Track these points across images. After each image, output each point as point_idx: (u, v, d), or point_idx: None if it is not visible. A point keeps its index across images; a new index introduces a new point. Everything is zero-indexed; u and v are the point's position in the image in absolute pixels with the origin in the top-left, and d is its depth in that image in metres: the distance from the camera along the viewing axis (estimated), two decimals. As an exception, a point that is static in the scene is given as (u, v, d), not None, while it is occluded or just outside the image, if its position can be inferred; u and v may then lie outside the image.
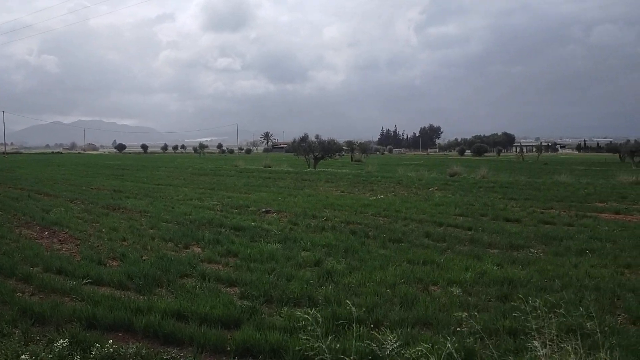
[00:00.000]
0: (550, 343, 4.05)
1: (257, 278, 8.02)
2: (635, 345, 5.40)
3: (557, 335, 5.63)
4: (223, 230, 12.70)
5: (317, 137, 45.98)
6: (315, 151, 43.75)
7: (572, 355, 3.22)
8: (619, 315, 6.71)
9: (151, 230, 12.78)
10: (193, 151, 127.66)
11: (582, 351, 4.32)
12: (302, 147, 44.82)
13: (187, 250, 10.60)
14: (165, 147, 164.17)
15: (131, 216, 15.26)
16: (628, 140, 63.45)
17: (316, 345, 5.49)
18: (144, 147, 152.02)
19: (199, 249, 10.64)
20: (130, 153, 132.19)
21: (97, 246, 10.85)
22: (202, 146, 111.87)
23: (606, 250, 10.24)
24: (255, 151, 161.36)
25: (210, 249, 10.43)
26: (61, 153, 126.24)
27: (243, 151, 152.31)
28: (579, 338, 5.63)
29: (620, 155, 61.34)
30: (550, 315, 6.32)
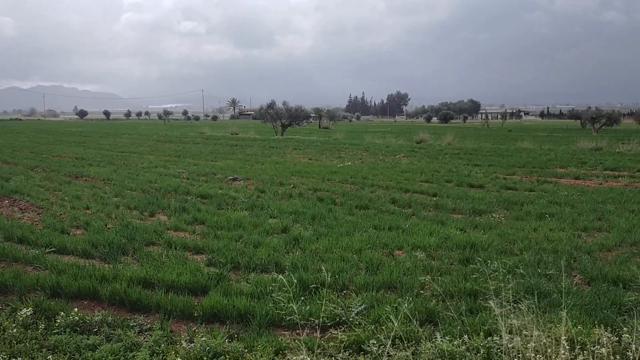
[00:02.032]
0: (506, 303, 4.20)
1: (225, 245, 8.03)
2: (589, 304, 5.66)
3: (514, 296, 5.85)
4: (189, 198, 12.61)
5: (284, 104, 45.66)
6: (282, 118, 43.46)
7: (525, 314, 3.35)
8: (575, 276, 7.00)
9: (115, 199, 12.59)
10: (157, 118, 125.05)
11: (537, 310, 4.51)
12: (270, 114, 44.44)
13: (153, 218, 10.51)
14: (128, 114, 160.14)
15: (94, 184, 14.99)
16: (589, 107, 64.99)
17: (288, 306, 5.59)
18: (107, 113, 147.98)
19: (165, 217, 10.56)
20: (92, 120, 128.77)
21: (60, 215, 10.65)
22: (167, 113, 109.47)
23: (565, 215, 10.58)
24: (221, 118, 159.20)
25: (177, 217, 10.36)
26: (20, 120, 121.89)
27: (209, 118, 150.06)
28: (536, 298, 5.87)
29: (581, 122, 62.86)
30: (508, 277, 6.55)
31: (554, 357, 4.16)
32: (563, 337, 4.54)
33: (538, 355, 4.00)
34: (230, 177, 16.15)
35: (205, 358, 4.45)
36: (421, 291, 6.29)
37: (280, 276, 6.58)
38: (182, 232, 9.32)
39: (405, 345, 4.63)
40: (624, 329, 4.71)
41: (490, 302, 3.18)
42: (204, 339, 4.68)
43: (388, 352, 4.42)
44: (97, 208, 11.25)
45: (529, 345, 3.97)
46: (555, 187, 14.35)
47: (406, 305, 5.68)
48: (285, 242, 8.40)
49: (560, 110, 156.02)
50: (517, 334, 4.22)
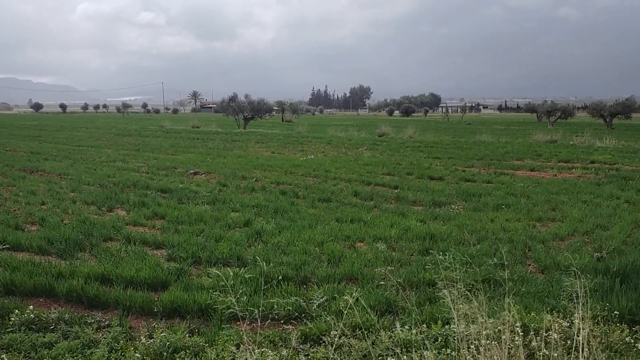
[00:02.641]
0: (462, 292, 4.31)
1: (185, 240, 7.95)
2: (542, 292, 5.85)
3: (472, 285, 6.01)
4: (149, 192, 12.41)
5: (246, 97, 45.24)
6: (245, 111, 43.14)
7: (480, 302, 3.45)
8: (529, 265, 7.23)
9: (72, 194, 12.28)
10: (116, 111, 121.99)
11: (492, 298, 4.64)
12: (232, 107, 44.03)
13: (111, 213, 10.30)
14: (86, 107, 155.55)
15: (50, 179, 14.57)
16: (545, 101, 66.88)
17: (249, 300, 5.59)
18: (63, 106, 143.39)
19: (124, 212, 10.37)
20: (47, 113, 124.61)
21: (14, 210, 10.32)
22: (126, 106, 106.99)
23: (520, 205, 10.89)
24: (182, 111, 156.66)
25: (136, 212, 10.18)
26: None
27: (170, 111, 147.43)
28: (492, 286, 6.05)
29: (537, 115, 64.61)
30: (465, 267, 6.72)
31: (508, 343, 4.30)
32: (518, 324, 4.70)
33: (493, 342, 4.12)
34: (192, 171, 15.96)
35: (165, 353, 4.41)
36: (382, 282, 6.38)
37: (242, 270, 6.58)
38: (141, 227, 9.17)
39: (365, 335, 4.70)
40: (575, 314, 4.91)
41: (444, 291, 3.24)
42: (164, 334, 4.64)
43: (349, 343, 4.48)
44: (53, 203, 10.96)
45: (484, 332, 4.08)
46: (512, 179, 14.74)
47: (367, 296, 5.78)
48: (248, 235, 8.38)
49: (518, 104, 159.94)
50: (473, 322, 4.33)
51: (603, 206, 10.81)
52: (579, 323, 4.70)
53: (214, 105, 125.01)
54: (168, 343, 4.52)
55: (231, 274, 6.39)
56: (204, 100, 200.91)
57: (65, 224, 9.12)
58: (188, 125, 45.08)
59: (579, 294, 3.13)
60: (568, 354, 4.14)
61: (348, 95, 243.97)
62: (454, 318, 3.68)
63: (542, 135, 28.46)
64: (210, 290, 5.82)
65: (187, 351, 4.44)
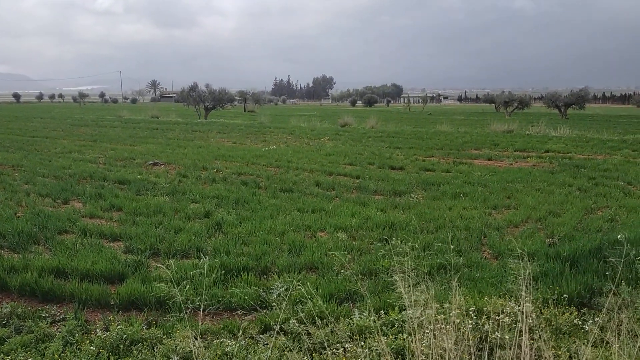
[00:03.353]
0: (415, 278, 4.40)
1: (143, 232, 7.83)
2: (495, 277, 6.02)
3: (429, 271, 6.14)
4: (106, 184, 12.15)
5: (207, 86, 44.60)
6: (206, 101, 42.54)
7: (431, 288, 3.54)
8: (484, 251, 7.42)
9: (26, 186, 11.91)
10: (72, 100, 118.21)
11: (439, 285, 4.76)
12: (192, 96, 43.34)
13: (67, 205, 10.05)
14: (40, 97, 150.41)
15: (3, 171, 14.09)
16: (503, 92, 68.34)
17: (208, 291, 5.56)
18: (17, 96, 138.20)
19: (80, 204, 10.13)
20: (0, 103, 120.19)
21: (-37, 204, 9.95)
22: (83, 95, 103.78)
23: (477, 194, 11.15)
24: (141, 101, 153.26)
25: (92, 204, 9.96)
26: None
27: (128, 101, 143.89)
28: (448, 272, 6.19)
29: (495, 106, 65.98)
30: (423, 254, 6.86)
31: (461, 327, 4.42)
32: (471, 309, 4.84)
33: (447, 326, 4.23)
34: (151, 162, 15.69)
35: (121, 346, 4.35)
36: (342, 270, 6.45)
37: (201, 261, 6.54)
38: (98, 219, 8.98)
39: (325, 323, 4.75)
40: (527, 297, 5.07)
41: (396, 277, 3.31)
42: (121, 327, 4.58)
43: (307, 331, 4.52)
44: (6, 196, 10.61)
45: (439, 317, 4.19)
46: (470, 168, 15.05)
47: (326, 285, 5.84)
48: (208, 226, 8.32)
49: (477, 95, 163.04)
50: (428, 307, 4.44)
51: (556, 194, 11.17)
52: (522, 306, 4.88)
53: (174, 95, 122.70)
54: (125, 335, 4.47)
55: (190, 265, 6.36)
56: (164, 90, 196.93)
57: (19, 217, 8.86)
58: (147, 115, 44.16)
59: (524, 279, 3.23)
60: (519, 337, 4.29)
61: (311, 85, 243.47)
62: (410, 304, 3.76)
63: (500, 125, 29.10)
64: (168, 282, 5.76)
65: (145, 343, 4.39)
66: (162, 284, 5.39)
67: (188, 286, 5.60)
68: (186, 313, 5.03)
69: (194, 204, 10.13)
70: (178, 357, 4.09)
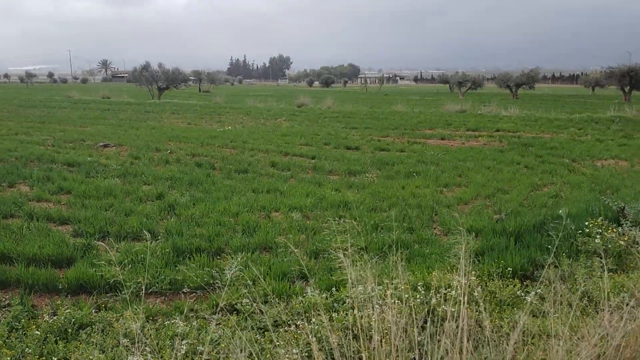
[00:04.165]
0: (355, 255, 4.49)
1: (93, 215, 7.66)
2: (444, 253, 6.19)
3: (380, 249, 6.26)
4: (54, 166, 11.77)
5: (160, 66, 43.64)
6: (159, 81, 41.56)
7: (373, 261, 3.63)
8: (435, 228, 7.61)
9: (-33, 170, 11.42)
10: (19, 81, 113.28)
11: (383, 263, 4.86)
12: (145, 76, 42.27)
13: (12, 189, 9.70)
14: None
15: (-59, 154, 13.43)
16: (457, 72, 69.41)
17: (159, 273, 5.52)
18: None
19: (27, 188, 9.80)
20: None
21: None
22: (30, 75, 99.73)
23: (430, 173, 11.37)
24: (92, 81, 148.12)
25: (40, 187, 9.65)
26: None
27: (78, 81, 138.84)
28: (399, 249, 6.32)
29: (450, 86, 67.06)
30: (375, 232, 6.98)
31: (411, 301, 4.55)
32: (420, 283, 4.98)
33: (397, 301, 4.34)
34: (101, 144, 15.27)
35: (70, 330, 4.28)
36: (295, 250, 6.49)
37: (152, 243, 6.45)
38: (45, 203, 8.72)
39: (277, 301, 4.79)
40: (472, 272, 5.25)
41: (339, 254, 3.37)
42: (69, 311, 4.49)
43: (260, 310, 4.55)
44: (-55, 180, 10.15)
45: (387, 292, 4.29)
46: (424, 148, 15.30)
47: (280, 264, 5.88)
48: (160, 208, 8.20)
49: (432, 75, 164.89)
50: (379, 283, 4.53)
51: (504, 171, 11.52)
52: (460, 279, 5.05)
53: (126, 75, 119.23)
54: (73, 319, 4.39)
55: (142, 248, 6.27)
56: (116, 70, 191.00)
57: (-41, 202, 8.51)
58: (98, 95, 42.82)
59: (463, 254, 3.34)
60: (466, 309, 4.44)
61: (268, 65, 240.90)
62: (356, 281, 3.83)
63: (453, 105, 29.64)
64: (118, 265, 5.68)
65: (94, 327, 4.33)
66: (112, 267, 5.31)
67: (139, 269, 5.54)
68: (137, 295, 4.98)
69: (146, 186, 9.96)
70: (128, 340, 4.05)
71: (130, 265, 5.65)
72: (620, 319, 3.09)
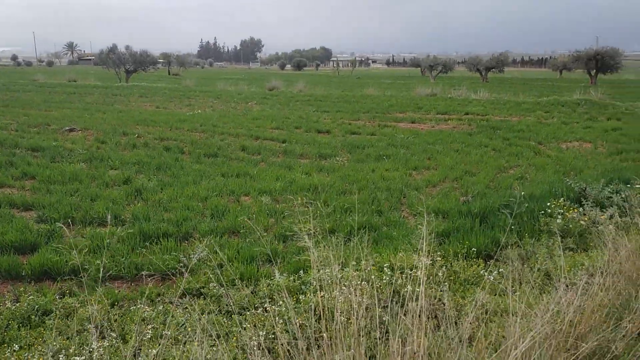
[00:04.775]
0: (318, 238, 4.53)
1: (58, 200, 7.52)
2: (411, 236, 6.28)
3: (349, 232, 6.31)
4: (18, 151, 11.48)
5: (127, 48, 42.69)
6: (126, 64, 40.71)
7: (328, 245, 3.67)
8: (403, 210, 7.70)
9: None
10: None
11: (365, 242, 4.92)
12: (112, 59, 41.36)
13: (-27, 175, 9.44)
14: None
15: None
16: (428, 56, 69.72)
17: (123, 259, 5.46)
18: None
19: (-11, 174, 9.54)
20: None
21: None
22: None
23: (399, 156, 11.47)
24: (58, 64, 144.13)
25: (3, 173, 9.41)
26: None
27: (44, 64, 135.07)
28: (368, 231, 6.40)
29: (421, 70, 67.38)
30: (345, 215, 7.02)
31: (377, 282, 4.62)
32: (386, 265, 5.05)
33: (363, 282, 4.40)
34: (67, 128, 14.93)
35: (33, 316, 4.22)
36: (264, 233, 6.51)
37: (119, 229, 6.39)
38: (8, 189, 8.52)
39: (245, 285, 4.81)
40: (437, 253, 5.35)
41: (304, 235, 3.39)
42: (32, 297, 4.43)
43: (228, 293, 4.56)
44: None
45: (353, 274, 4.34)
46: (394, 131, 15.39)
47: (248, 248, 5.89)
48: (127, 193, 8.10)
49: (404, 59, 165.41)
50: (345, 265, 4.59)
51: (472, 154, 11.69)
52: (439, 260, 5.15)
53: (93, 58, 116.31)
54: (37, 306, 4.33)
55: (108, 233, 6.20)
56: (82, 52, 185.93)
57: None
58: (64, 78, 41.73)
59: (425, 233, 3.40)
60: (430, 288, 4.53)
61: (239, 48, 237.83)
62: (319, 263, 3.87)
63: (424, 88, 29.80)
64: (84, 251, 5.60)
65: (58, 312, 4.28)
66: (77, 253, 5.24)
67: (104, 254, 5.48)
68: (103, 281, 4.94)
69: (113, 170, 9.81)
70: (94, 326, 4.02)
71: (96, 251, 5.58)
72: (574, 296, 3.19)
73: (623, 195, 7.00)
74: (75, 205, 7.32)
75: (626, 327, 3.51)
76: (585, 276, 3.69)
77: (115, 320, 4.15)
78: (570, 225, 6.23)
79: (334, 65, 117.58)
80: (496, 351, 2.82)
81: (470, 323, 2.96)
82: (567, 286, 3.45)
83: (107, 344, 3.54)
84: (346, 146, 12.74)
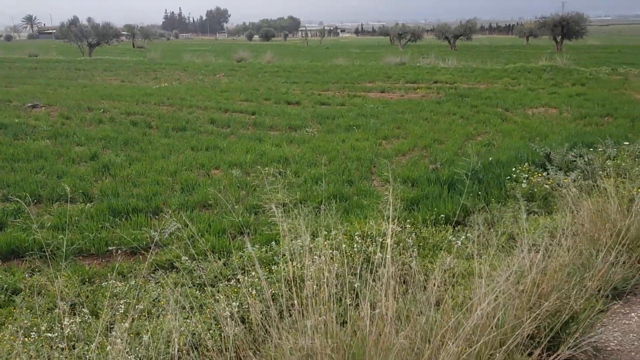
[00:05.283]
0: (290, 209, 4.57)
1: (23, 178, 7.37)
2: (381, 204, 6.36)
3: (320, 202, 6.36)
4: (-23, 130, 11.14)
5: (89, 20, 41.30)
6: (89, 37, 39.45)
7: (298, 215, 3.71)
8: (373, 179, 7.78)
9: None
10: None
11: (311, 213, 4.98)
12: (74, 32, 40.03)
13: None
14: None
15: None
16: (397, 24, 69.40)
17: (93, 236, 5.42)
18: None
19: (-52, 153, 9.25)
20: None
21: None
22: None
23: (369, 126, 11.50)
24: (17, 38, 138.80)
25: (-38, 152, 9.14)
26: None
27: (2, 38, 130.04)
28: (338, 201, 6.46)
29: (390, 38, 67.10)
30: (315, 186, 7.07)
31: (348, 250, 4.69)
32: (357, 233, 5.12)
33: (334, 251, 4.47)
34: (29, 104, 14.50)
35: (2, 295, 4.18)
36: (236, 206, 6.51)
37: (88, 205, 6.31)
38: (-30, 168, 8.29)
39: (218, 257, 4.83)
40: (407, 220, 5.45)
41: (272, 205, 3.42)
42: (0, 276, 4.37)
43: (200, 266, 4.58)
44: None
45: (325, 242, 4.40)
46: (364, 101, 15.40)
47: (220, 221, 5.89)
48: (94, 169, 7.97)
49: (373, 27, 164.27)
50: (317, 235, 4.64)
51: (441, 122, 11.80)
52: (409, 227, 5.25)
53: (54, 31, 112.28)
54: (5, 285, 4.28)
55: (76, 210, 6.12)
56: (42, 26, 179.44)
57: None
58: (24, 53, 40.29)
59: (391, 199, 3.46)
60: (400, 255, 4.63)
61: (205, 18, 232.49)
62: (299, 233, 3.91)
63: (393, 57, 29.76)
64: (51, 229, 5.53)
65: (28, 291, 4.24)
66: (41, 230, 5.17)
67: (73, 231, 5.42)
68: (72, 258, 4.89)
69: (79, 146, 9.62)
70: (64, 302, 4.00)
71: (64, 228, 5.51)
72: (537, 256, 3.31)
73: (586, 159, 7.20)
74: (42, 183, 7.18)
75: (586, 285, 3.66)
76: (547, 238, 3.82)
77: (87, 297, 4.14)
78: (536, 190, 6.39)
79: (303, 35, 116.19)
80: (462, 311, 2.92)
81: (437, 286, 3.05)
82: (530, 248, 3.57)
83: (79, 319, 3.53)
84: (316, 117, 12.71)
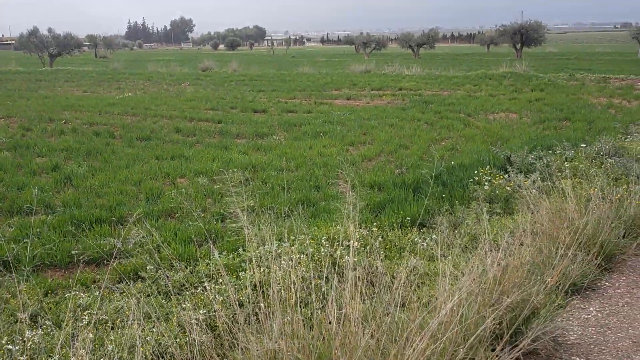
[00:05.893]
0: (257, 216, 4.58)
1: (-20, 191, 7.15)
2: (346, 208, 6.40)
3: (288, 208, 6.37)
4: None
5: (50, 31, 40.44)
6: (50, 47, 38.62)
7: (265, 221, 3.73)
8: (340, 185, 7.83)
9: None
10: None
11: (279, 219, 5.00)
12: (34, 43, 39.13)
13: None
14: None
15: None
16: (362, 33, 70.18)
17: (55, 247, 5.30)
18: None
19: None
20: None
21: None
22: None
23: (336, 132, 11.58)
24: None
25: None
26: None
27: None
28: (306, 207, 6.48)
29: (355, 47, 67.73)
30: (282, 192, 7.08)
31: (315, 254, 4.72)
32: (324, 237, 5.15)
33: (302, 255, 4.49)
34: (-13, 116, 14.10)
35: (-41, 312, 4.04)
36: (202, 214, 6.47)
37: (49, 217, 6.18)
38: None
39: (185, 266, 4.79)
40: (374, 224, 5.51)
41: (238, 210, 3.43)
42: (-43, 292, 4.23)
43: (166, 275, 4.53)
44: None
45: (292, 247, 4.42)
46: (330, 108, 15.50)
47: (186, 229, 5.84)
48: (56, 181, 7.80)
49: (338, 36, 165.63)
50: (284, 240, 4.65)
51: (406, 128, 11.97)
52: (375, 230, 5.31)
53: (13, 42, 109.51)
54: (-37, 301, 4.14)
55: (37, 222, 5.98)
56: (1, 36, 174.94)
57: None
58: (-20, 64, 39.18)
59: (351, 200, 3.51)
60: (367, 257, 4.67)
61: (169, 28, 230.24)
62: (265, 239, 3.92)
63: (359, 65, 30.07)
64: (12, 241, 5.39)
65: (-13, 306, 4.11)
66: (4, 243, 5.03)
67: (35, 243, 5.29)
68: (34, 270, 4.78)
69: (40, 158, 9.39)
70: (26, 315, 3.90)
71: (25, 240, 5.37)
72: (497, 255, 3.40)
73: (545, 161, 7.43)
74: (1, 195, 6.99)
75: (546, 281, 3.78)
76: (508, 237, 3.92)
77: (50, 309, 4.04)
78: (497, 191, 6.55)
79: (269, 44, 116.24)
80: (427, 310, 2.98)
81: (402, 286, 3.10)
82: (492, 247, 3.66)
83: (42, 332, 3.45)
84: (283, 124, 12.73)
